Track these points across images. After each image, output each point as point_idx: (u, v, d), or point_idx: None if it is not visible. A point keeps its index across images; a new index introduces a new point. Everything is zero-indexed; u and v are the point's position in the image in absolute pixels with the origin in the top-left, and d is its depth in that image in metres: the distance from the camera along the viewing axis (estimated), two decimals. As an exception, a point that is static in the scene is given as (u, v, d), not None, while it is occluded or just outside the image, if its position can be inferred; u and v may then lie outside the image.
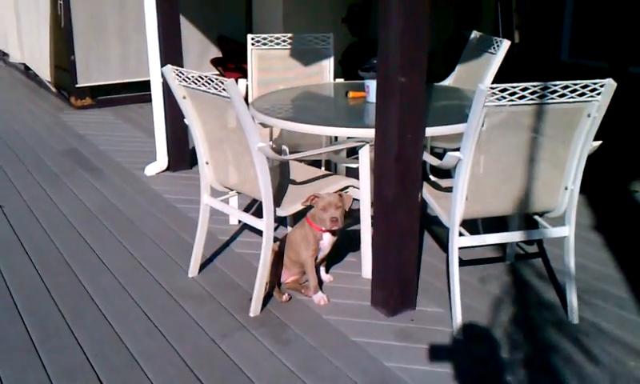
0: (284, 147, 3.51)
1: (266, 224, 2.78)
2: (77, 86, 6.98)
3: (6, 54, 9.99)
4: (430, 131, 2.82)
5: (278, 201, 2.90)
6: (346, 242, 3.36)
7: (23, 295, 3.00)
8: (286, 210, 2.88)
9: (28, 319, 2.79)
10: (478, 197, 2.59)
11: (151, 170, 4.79)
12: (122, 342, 2.62)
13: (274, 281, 3.00)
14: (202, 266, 3.27)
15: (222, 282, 3.14)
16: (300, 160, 3.39)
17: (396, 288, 2.78)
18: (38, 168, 4.96)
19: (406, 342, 2.62)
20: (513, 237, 2.80)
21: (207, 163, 3.06)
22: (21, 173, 4.85)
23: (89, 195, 4.34)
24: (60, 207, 4.13)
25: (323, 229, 2.88)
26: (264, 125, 3.43)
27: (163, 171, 4.84)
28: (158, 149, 4.85)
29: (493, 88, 2.37)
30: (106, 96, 7.22)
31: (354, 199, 3.05)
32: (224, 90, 2.59)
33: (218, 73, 7.29)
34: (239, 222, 3.84)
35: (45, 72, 7.43)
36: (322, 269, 3.13)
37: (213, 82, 2.67)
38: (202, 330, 2.72)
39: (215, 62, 7.50)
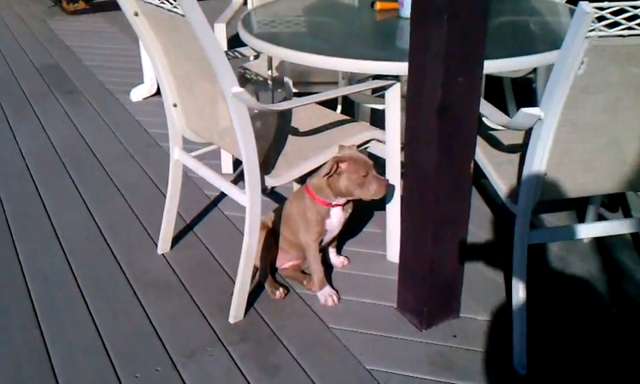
0: (286, 79, 2.63)
1: (249, 199, 1.96)
2: (68, -14, 6.07)
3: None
4: (493, 66, 1.91)
5: (269, 163, 2.07)
6: (367, 203, 2.54)
7: (-60, 278, 2.30)
8: (280, 178, 2.04)
9: None
10: (562, 171, 1.71)
11: (137, 94, 3.96)
12: (50, 364, 1.89)
13: (267, 267, 2.22)
14: (177, 238, 2.50)
15: (199, 263, 2.36)
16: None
17: (432, 293, 1.97)
18: (7, 90, 4.17)
19: (443, 377, 1.83)
20: (618, 227, 1.90)
21: (175, 106, 2.23)
22: (-15, 96, 4.08)
23: (58, 129, 3.56)
24: (20, 145, 3.36)
25: (333, 203, 2.07)
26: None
27: (152, 96, 4.00)
28: (144, 69, 4.00)
29: (602, 7, 1.45)
30: (103, -1, 6.31)
31: (376, 156, 2.21)
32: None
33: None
34: (234, 169, 3.03)
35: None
36: (332, 250, 2.33)
37: (166, -8, 1.79)
38: (160, 343, 1.97)
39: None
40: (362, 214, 2.56)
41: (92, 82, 4.30)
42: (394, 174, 2.17)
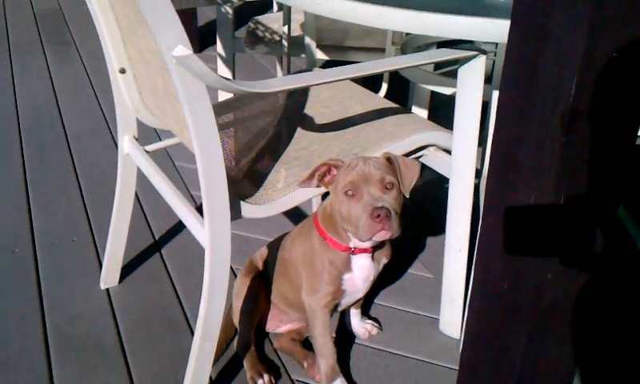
0: (308, 41, 1.79)
1: (209, 237, 1.15)
2: None
3: None
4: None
5: (251, 179, 1.25)
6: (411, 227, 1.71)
7: None
8: (268, 205, 1.21)
9: None
10: None
11: (138, 51, 3.19)
12: None
13: (249, 333, 1.42)
14: (135, 263, 1.73)
15: (155, 311, 1.58)
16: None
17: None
18: (-9, 37, 3.48)
19: None
20: None
21: (123, 72, 1.43)
22: (-37, 43, 3.39)
23: (30, 88, 2.84)
24: (-23, 106, 2.66)
25: (353, 247, 1.24)
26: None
27: (157, 54, 3.22)
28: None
29: None
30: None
31: (426, 172, 1.37)
32: None
33: None
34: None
35: None
36: (354, 312, 1.51)
37: None
38: None
39: None
40: (406, 242, 1.73)
41: (90, 32, 3.53)
42: (461, 208, 1.32)
